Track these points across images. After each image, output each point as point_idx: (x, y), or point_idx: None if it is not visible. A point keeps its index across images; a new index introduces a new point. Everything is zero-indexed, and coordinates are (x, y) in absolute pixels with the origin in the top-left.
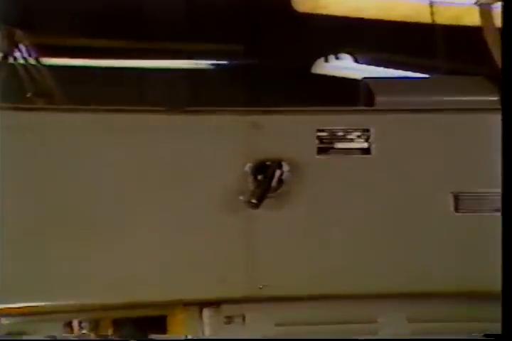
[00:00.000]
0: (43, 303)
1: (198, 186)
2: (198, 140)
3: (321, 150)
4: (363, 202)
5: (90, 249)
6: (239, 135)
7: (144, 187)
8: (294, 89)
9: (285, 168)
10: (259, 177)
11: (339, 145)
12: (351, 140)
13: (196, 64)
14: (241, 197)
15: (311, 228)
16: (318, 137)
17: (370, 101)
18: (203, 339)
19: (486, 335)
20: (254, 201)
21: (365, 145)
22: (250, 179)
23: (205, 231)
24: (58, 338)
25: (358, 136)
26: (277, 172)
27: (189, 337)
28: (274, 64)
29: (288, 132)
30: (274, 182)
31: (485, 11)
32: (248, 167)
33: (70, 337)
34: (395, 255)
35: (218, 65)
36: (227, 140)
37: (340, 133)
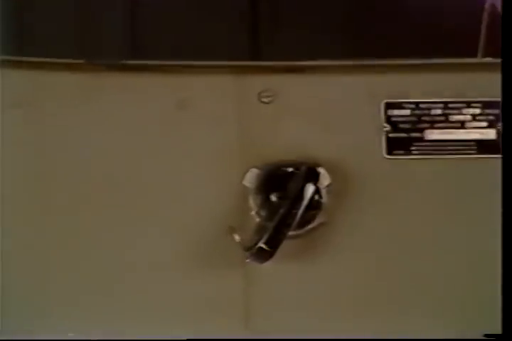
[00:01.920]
0: None
1: (154, 210)
2: (153, 123)
3: (393, 145)
4: (474, 247)
5: None
6: (232, 113)
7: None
8: (340, 22)
9: (324, 179)
10: (273, 197)
11: (431, 134)
12: (460, 124)
13: None
14: (236, 237)
15: (363, 294)
16: (389, 119)
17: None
18: (203, 339)
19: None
20: (263, 246)
21: (490, 133)
22: (256, 201)
23: (165, 300)
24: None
25: (474, 117)
26: (309, 189)
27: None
28: None
29: (328, 108)
30: (302, 208)
31: None
32: (251, 177)
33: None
34: None
35: None
36: (210, 122)
37: (435, 111)
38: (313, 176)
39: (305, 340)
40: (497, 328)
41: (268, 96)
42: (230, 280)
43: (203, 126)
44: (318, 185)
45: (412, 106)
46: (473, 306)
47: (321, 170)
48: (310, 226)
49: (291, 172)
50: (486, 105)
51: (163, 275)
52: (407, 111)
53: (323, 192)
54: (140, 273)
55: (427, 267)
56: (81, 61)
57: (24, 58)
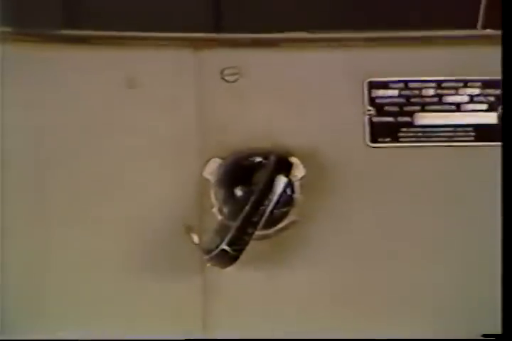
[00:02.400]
0: None
1: (99, 207)
2: (96, 104)
3: (378, 132)
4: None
5: None
6: (191, 94)
7: None
8: None
9: (297, 170)
10: (238, 191)
11: (422, 118)
12: (455, 106)
13: None
14: (194, 238)
15: (344, 300)
16: (373, 100)
17: None
18: (202, 339)
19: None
20: (225, 248)
21: (490, 117)
22: (218, 196)
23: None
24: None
25: (472, 98)
26: (280, 182)
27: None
28: None
29: (302, 88)
30: (272, 204)
31: None
32: (213, 167)
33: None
34: None
35: None
36: (165, 104)
37: (426, 92)
38: (284, 167)
39: (307, 340)
40: (497, 328)
41: (232, 74)
42: (186, 288)
43: (156, 109)
44: (291, 177)
45: (400, 85)
46: (473, 306)
47: (293, 160)
48: (280, 225)
49: (259, 162)
50: (486, 84)
51: (113, 278)
52: (394, 92)
53: (296, 185)
54: (84, 275)
55: (421, 265)
56: (9, 29)
57: None
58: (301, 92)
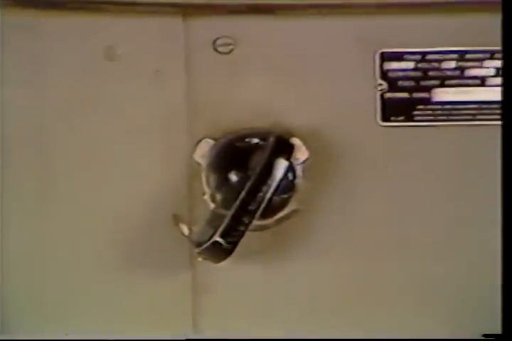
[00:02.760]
0: None
1: (77, 195)
2: (73, 78)
3: (391, 109)
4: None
5: None
6: (180, 66)
7: None
8: None
9: (299, 153)
10: (233, 176)
11: (441, 94)
12: (479, 81)
13: None
14: (184, 229)
15: (347, 297)
16: (386, 74)
17: None
18: (202, 339)
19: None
20: (219, 240)
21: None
22: (210, 181)
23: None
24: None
25: (498, 71)
26: (280, 166)
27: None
28: None
29: (304, 60)
30: (271, 191)
31: None
32: (204, 149)
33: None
34: None
35: None
36: (150, 78)
37: (446, 64)
38: (284, 149)
39: (306, 340)
40: (497, 328)
41: (226, 45)
42: (175, 284)
43: (141, 84)
44: (292, 160)
45: (417, 57)
46: (473, 306)
47: (295, 141)
48: (281, 214)
49: (257, 143)
50: None
51: (94, 275)
52: (410, 64)
53: (298, 169)
54: (67, 272)
55: (429, 261)
56: None
57: None
58: (304, 65)
